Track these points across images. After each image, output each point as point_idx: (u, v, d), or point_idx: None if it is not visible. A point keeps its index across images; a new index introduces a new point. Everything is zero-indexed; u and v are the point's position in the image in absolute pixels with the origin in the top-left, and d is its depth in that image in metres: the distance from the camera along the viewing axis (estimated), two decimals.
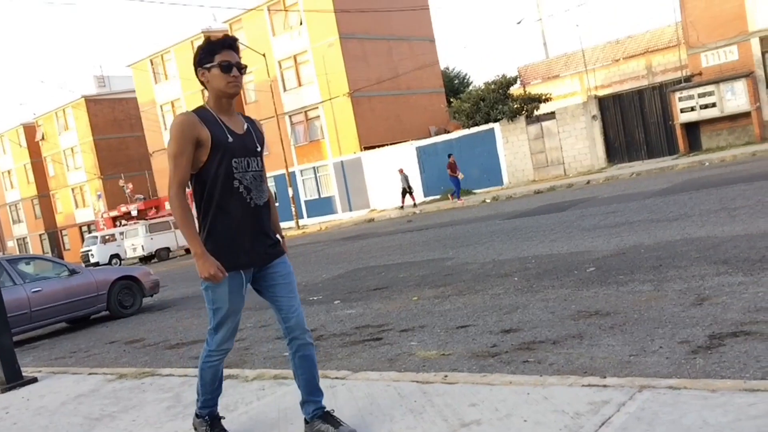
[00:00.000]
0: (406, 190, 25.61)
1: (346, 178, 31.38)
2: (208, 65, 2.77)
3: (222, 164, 2.73)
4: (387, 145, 30.61)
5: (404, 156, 28.38)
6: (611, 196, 13.72)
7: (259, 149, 2.89)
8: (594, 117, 22.67)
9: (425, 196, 27.88)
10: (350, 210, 31.45)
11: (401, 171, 25.85)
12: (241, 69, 2.81)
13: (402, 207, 25.87)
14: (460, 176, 22.62)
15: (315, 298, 7.84)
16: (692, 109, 19.81)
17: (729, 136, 19.70)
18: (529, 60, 44.29)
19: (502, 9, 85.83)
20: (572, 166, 23.44)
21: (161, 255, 29.23)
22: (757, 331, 3.51)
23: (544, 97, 26.17)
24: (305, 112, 32.95)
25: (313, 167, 33.05)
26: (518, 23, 52.66)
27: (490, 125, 25.42)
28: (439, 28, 79.11)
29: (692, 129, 20.29)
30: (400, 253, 11.41)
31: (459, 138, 26.58)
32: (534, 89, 30.55)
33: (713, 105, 19.40)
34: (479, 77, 70.01)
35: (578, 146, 23.28)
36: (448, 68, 44.81)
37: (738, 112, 19.22)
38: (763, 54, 19.56)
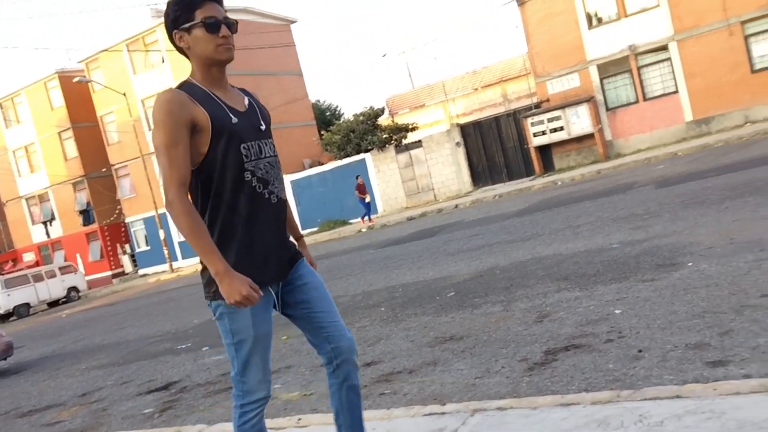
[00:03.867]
0: None
1: None
2: (187, 25, 2.14)
3: (229, 153, 2.12)
4: None
5: None
6: (475, 219, 14.41)
7: (263, 128, 2.29)
8: (458, 144, 23.77)
9: (303, 229, 27.80)
10: None
11: None
12: (231, 26, 2.19)
13: None
14: (367, 199, 22.85)
15: (183, 347, 7.60)
16: (543, 133, 21.32)
17: (577, 157, 21.35)
18: (397, 91, 45.85)
19: (369, 43, 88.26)
20: (441, 191, 24.37)
21: (20, 312, 26.96)
22: (585, 344, 3.85)
23: (411, 127, 27.14)
24: None
25: None
26: (383, 56, 54.41)
27: (362, 156, 25.93)
28: (307, 62, 79.94)
29: (545, 151, 21.79)
30: None
31: (332, 170, 26.87)
32: (402, 119, 31.58)
33: (561, 128, 20.99)
34: (350, 109, 71.26)
35: (445, 172, 24.26)
36: (318, 101, 45.31)
37: (583, 134, 20.90)
38: (600, 80, 21.46)
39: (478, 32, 65.71)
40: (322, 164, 30.03)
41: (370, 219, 23.00)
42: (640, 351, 3.48)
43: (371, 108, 27.13)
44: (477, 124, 23.91)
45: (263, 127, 2.26)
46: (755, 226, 5.87)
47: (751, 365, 2.92)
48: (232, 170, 2.14)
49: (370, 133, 26.23)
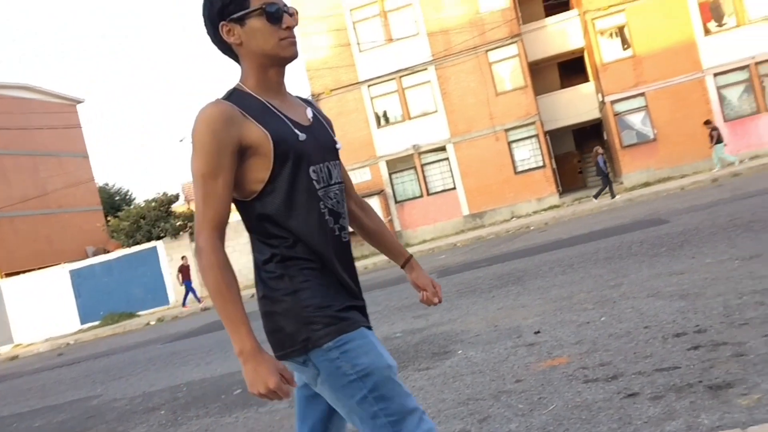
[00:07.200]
0: None
1: None
2: (239, 14, 1.68)
3: (298, 179, 1.68)
4: (35, 269, 27.37)
5: (56, 281, 25.63)
6: None
7: (339, 146, 1.86)
8: None
9: (82, 323, 25.34)
10: None
11: None
12: (293, 16, 1.75)
13: None
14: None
15: None
16: None
17: (371, 246, 22.39)
18: None
19: (166, 126, 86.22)
20: (238, 280, 23.85)
21: None
22: None
23: None
24: None
25: None
26: (181, 141, 53.29)
27: (153, 243, 24.67)
28: (96, 143, 75.64)
29: None
30: (42, 395, 10.07)
31: (119, 258, 25.13)
32: None
33: None
34: (144, 193, 68.18)
35: (242, 261, 23.87)
36: (107, 185, 42.78)
37: None
38: (390, 175, 23.05)
39: None
40: (108, 252, 28.02)
41: (198, 300, 21.58)
42: None
43: (164, 194, 26.18)
44: None
45: (333, 146, 1.82)
46: (515, 314, 6.55)
47: None
48: (303, 201, 1.69)
49: (163, 219, 25.18)
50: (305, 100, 1.88)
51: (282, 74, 1.76)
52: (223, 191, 1.63)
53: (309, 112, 1.81)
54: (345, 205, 1.83)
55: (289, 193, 1.68)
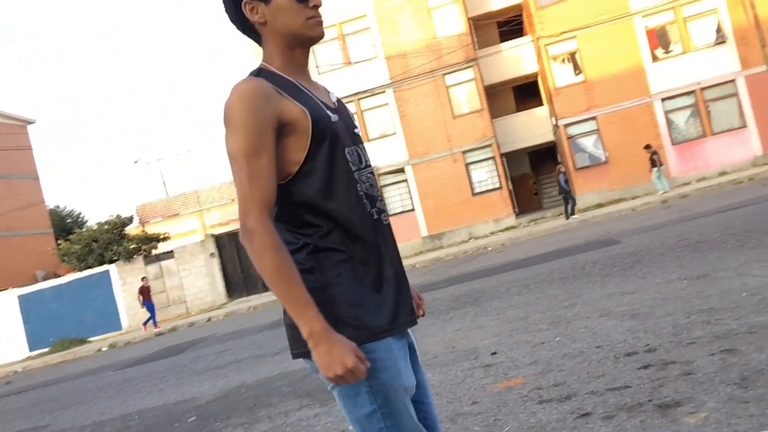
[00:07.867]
0: None
1: None
2: None
3: (335, 160, 1.61)
4: None
5: (3, 306, 24.75)
6: (227, 332, 14.04)
7: (358, 131, 1.79)
8: (212, 254, 23.36)
9: (31, 350, 24.46)
10: None
11: None
12: None
13: None
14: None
15: None
16: None
17: None
18: (150, 198, 44.14)
19: (121, 148, 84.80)
20: (194, 303, 23.46)
21: None
22: None
23: (162, 236, 26.08)
24: None
25: None
26: (135, 162, 52.46)
27: (105, 267, 24.08)
28: (47, 165, 73.79)
29: None
30: None
31: (70, 282, 24.43)
32: (154, 228, 30.27)
33: None
34: (97, 216, 66.67)
35: (199, 284, 23.51)
36: (58, 207, 41.72)
37: None
38: None
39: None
40: (59, 276, 27.21)
41: (155, 324, 20.84)
42: None
43: (118, 216, 25.63)
44: (233, 235, 23.85)
45: (357, 130, 1.77)
46: (472, 335, 6.59)
47: None
48: (343, 182, 1.61)
49: (116, 243, 24.62)
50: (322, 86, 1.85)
51: (307, 55, 1.71)
52: (268, 169, 1.54)
53: (333, 96, 1.77)
54: (378, 189, 1.76)
55: (329, 174, 1.60)
